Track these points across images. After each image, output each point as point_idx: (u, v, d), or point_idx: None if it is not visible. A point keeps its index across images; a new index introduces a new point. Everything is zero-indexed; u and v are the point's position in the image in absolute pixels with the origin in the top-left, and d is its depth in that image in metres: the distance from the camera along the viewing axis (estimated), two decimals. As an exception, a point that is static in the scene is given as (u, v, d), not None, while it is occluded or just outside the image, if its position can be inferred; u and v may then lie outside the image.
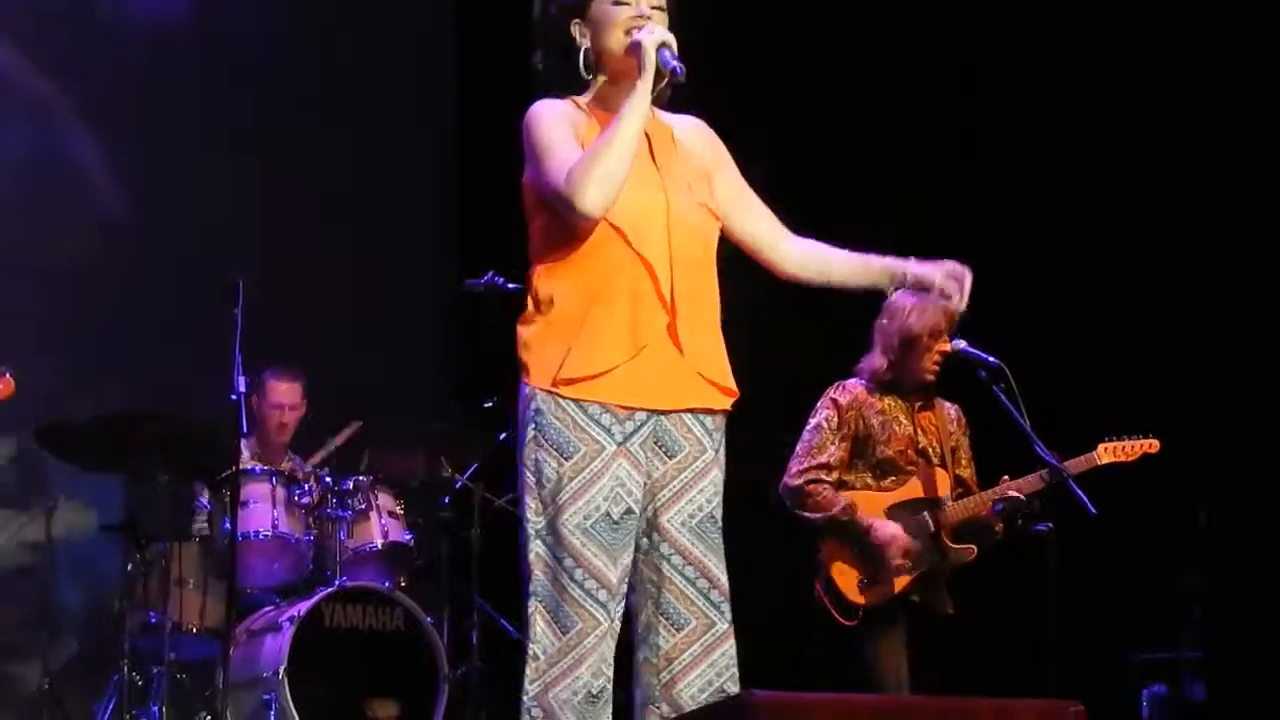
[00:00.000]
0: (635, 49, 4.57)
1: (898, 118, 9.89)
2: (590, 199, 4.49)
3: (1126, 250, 9.12)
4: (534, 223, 4.71)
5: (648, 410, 4.60)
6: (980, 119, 10.00)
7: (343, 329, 9.49)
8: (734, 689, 4.57)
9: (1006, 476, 6.70)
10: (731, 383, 4.71)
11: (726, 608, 4.63)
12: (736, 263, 4.92)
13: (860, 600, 6.65)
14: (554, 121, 4.66)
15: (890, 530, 6.62)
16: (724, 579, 4.64)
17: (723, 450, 4.73)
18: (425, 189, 10.17)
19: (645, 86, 4.56)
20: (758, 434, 6.26)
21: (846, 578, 6.68)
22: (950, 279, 4.78)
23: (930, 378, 6.76)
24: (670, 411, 4.64)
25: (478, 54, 9.86)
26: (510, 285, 7.49)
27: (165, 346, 8.99)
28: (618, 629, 4.60)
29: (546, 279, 4.65)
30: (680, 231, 4.66)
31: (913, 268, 4.81)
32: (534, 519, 4.58)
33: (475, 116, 9.86)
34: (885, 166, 9.74)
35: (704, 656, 4.63)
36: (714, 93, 8.04)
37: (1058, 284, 9.17)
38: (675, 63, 4.56)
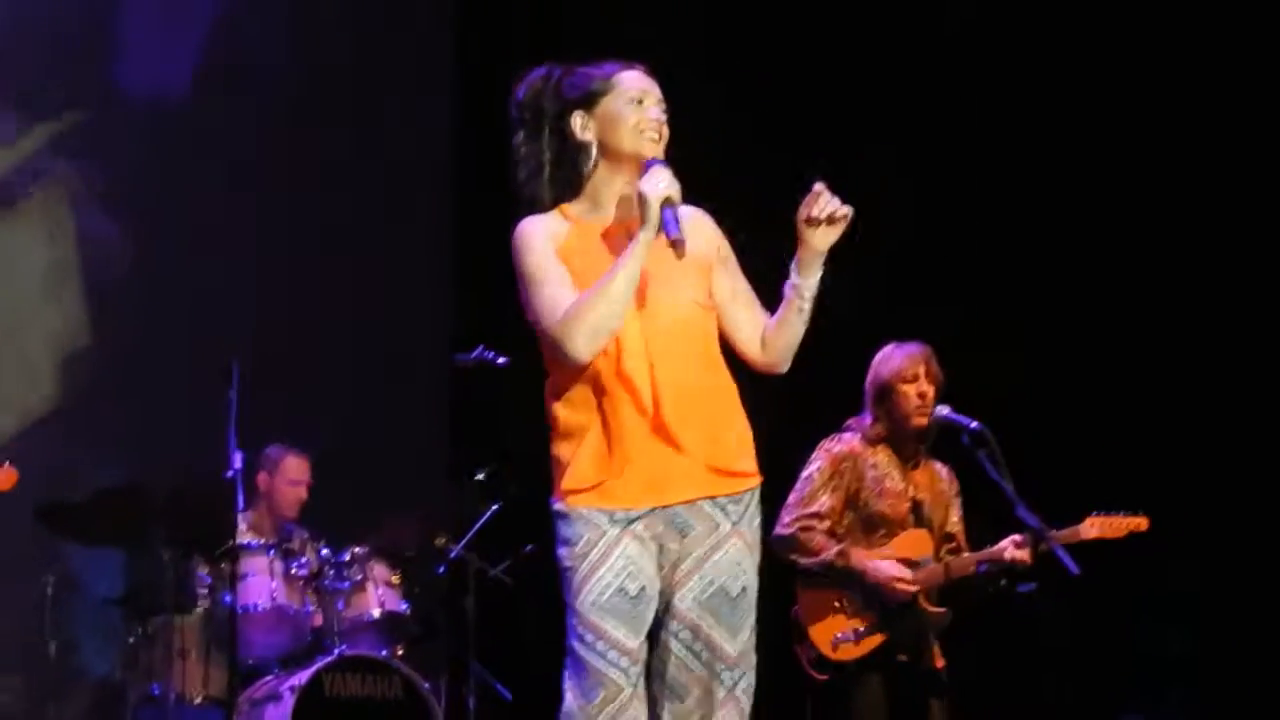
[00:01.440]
0: (640, 200, 4.49)
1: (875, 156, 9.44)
2: (581, 348, 4.49)
3: (1103, 314, 8.87)
4: (540, 339, 4.73)
5: (645, 506, 4.58)
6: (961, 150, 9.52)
7: (335, 403, 9.45)
8: None
9: (1010, 540, 6.56)
10: (747, 465, 4.67)
11: (730, 675, 4.57)
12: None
13: (833, 656, 6.55)
14: (537, 251, 4.61)
15: (888, 568, 6.51)
16: (731, 649, 4.57)
17: (747, 522, 4.66)
18: (418, 268, 10.16)
19: (646, 238, 4.49)
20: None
21: (824, 631, 6.57)
22: (808, 202, 4.60)
23: (918, 421, 6.60)
24: (677, 504, 4.62)
25: (474, 134, 9.84)
26: (500, 360, 7.52)
27: (163, 424, 8.93)
28: (644, 696, 4.59)
29: (553, 398, 4.66)
30: (661, 332, 4.62)
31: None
32: (567, 605, 4.57)
33: (471, 198, 9.87)
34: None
35: None
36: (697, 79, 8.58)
37: (1039, 346, 8.89)
38: (676, 231, 4.46)
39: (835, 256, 5.04)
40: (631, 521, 4.55)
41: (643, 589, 4.51)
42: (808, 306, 4.67)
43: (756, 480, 4.66)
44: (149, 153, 9.59)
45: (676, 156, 4.62)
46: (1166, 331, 8.63)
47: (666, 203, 4.45)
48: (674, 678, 4.57)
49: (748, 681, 4.59)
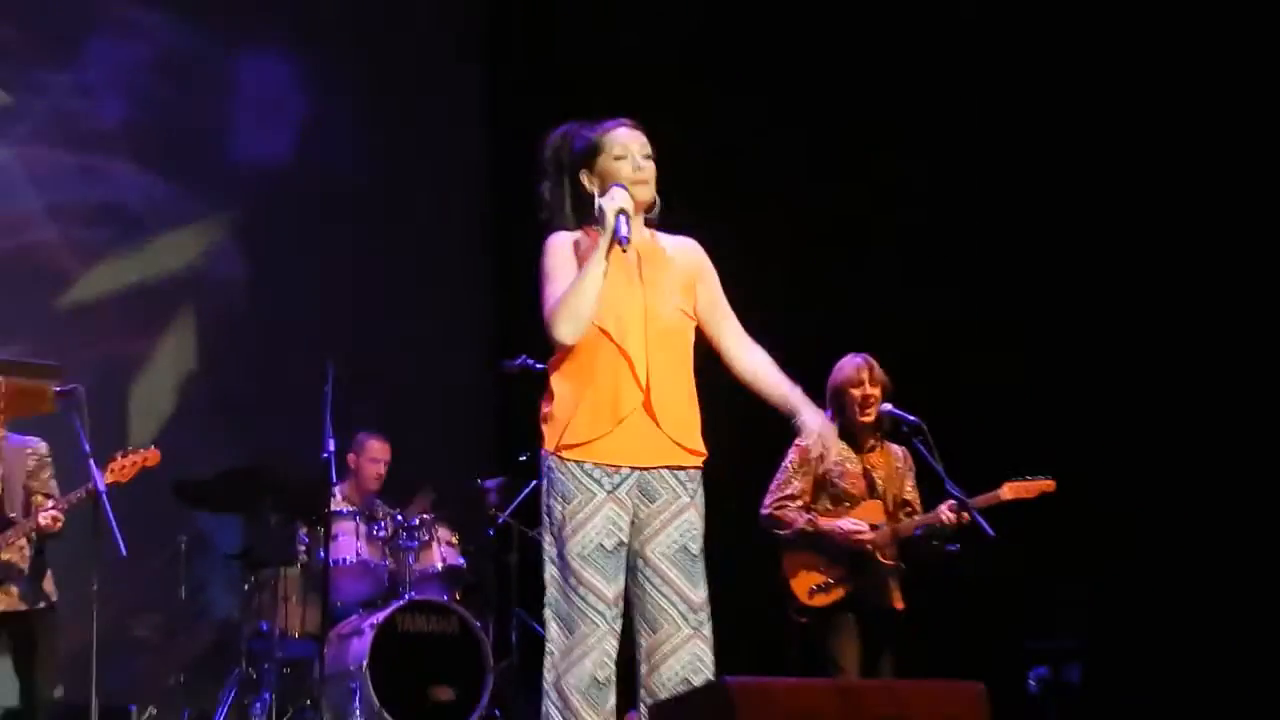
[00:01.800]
0: (599, 211, 4.69)
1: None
2: (562, 332, 4.67)
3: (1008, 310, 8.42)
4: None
5: (630, 467, 4.72)
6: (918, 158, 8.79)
7: (410, 401, 9.42)
8: (698, 680, 4.64)
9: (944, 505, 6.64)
10: (700, 446, 4.81)
11: (695, 618, 4.72)
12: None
13: (810, 603, 6.64)
14: (557, 256, 4.80)
15: (846, 524, 6.61)
16: (695, 595, 4.73)
17: (699, 497, 4.81)
18: (474, 295, 10.23)
19: (604, 243, 4.66)
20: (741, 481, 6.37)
21: (802, 583, 6.66)
22: (817, 439, 4.85)
23: (864, 418, 6.68)
24: (650, 468, 4.75)
25: (513, 187, 9.34)
26: (538, 365, 7.08)
27: (272, 416, 9.06)
28: (617, 631, 4.70)
29: (555, 371, 4.80)
30: (656, 332, 4.77)
31: (802, 414, 4.85)
32: (548, 549, 4.74)
33: (509, 241, 9.75)
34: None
35: (673, 654, 4.70)
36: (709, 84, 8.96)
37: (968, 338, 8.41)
38: (624, 233, 4.63)
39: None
40: (616, 487, 4.69)
41: (619, 543, 4.65)
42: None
43: (703, 458, 4.80)
44: (252, 214, 9.73)
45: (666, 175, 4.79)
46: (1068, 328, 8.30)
47: (620, 212, 4.61)
48: (650, 613, 4.71)
49: (709, 624, 4.72)
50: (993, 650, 7.49)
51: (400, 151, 10.06)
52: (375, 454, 8.65)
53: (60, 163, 9.30)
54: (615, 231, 4.64)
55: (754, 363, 4.95)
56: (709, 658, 4.73)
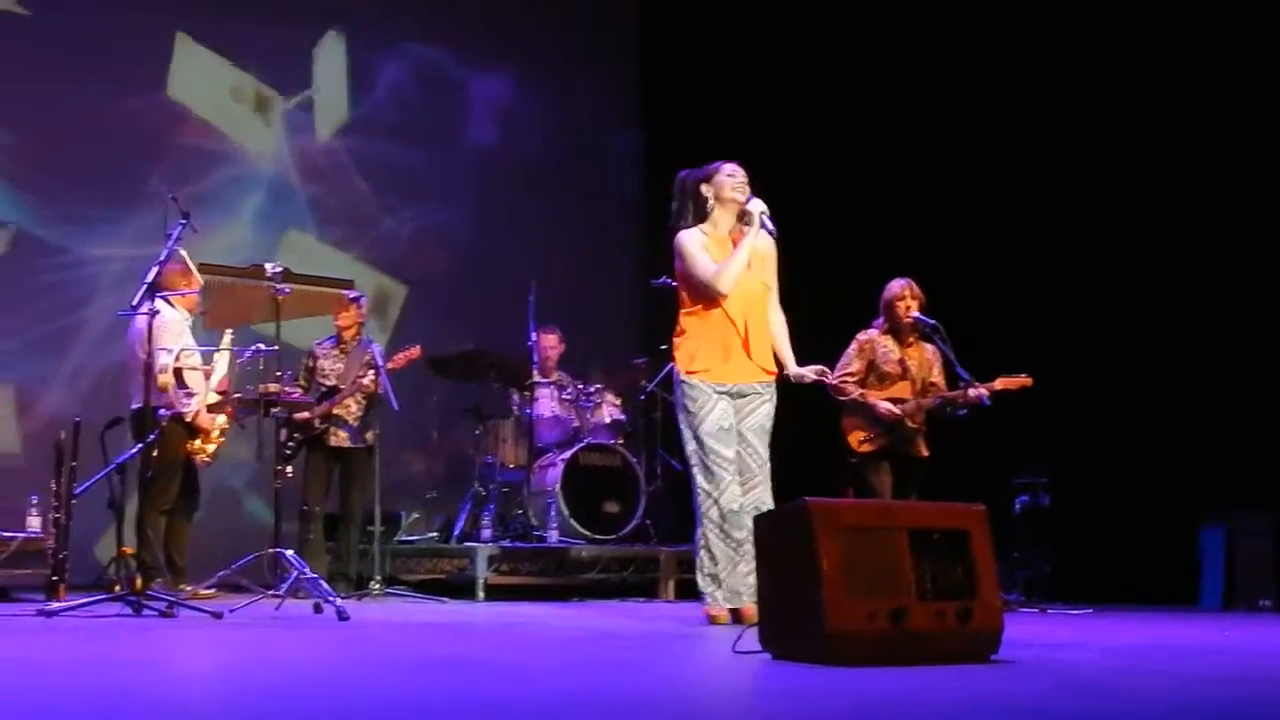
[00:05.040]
0: (745, 214, 4.93)
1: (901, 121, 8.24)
2: (726, 288, 5.04)
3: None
4: (681, 292, 5.17)
5: (731, 383, 5.08)
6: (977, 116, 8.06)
7: (589, 308, 9.36)
8: (764, 506, 4.90)
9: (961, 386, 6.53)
10: (773, 368, 5.15)
11: (766, 468, 5.06)
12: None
13: (860, 449, 6.61)
14: (697, 245, 5.11)
15: (885, 405, 6.55)
16: (766, 455, 5.07)
17: (773, 394, 5.14)
18: (631, 232, 10.02)
19: (753, 234, 4.93)
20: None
21: (854, 436, 6.63)
22: (799, 376, 5.15)
23: (905, 321, 6.57)
24: (743, 383, 5.09)
25: (657, 164, 8.89)
26: (674, 284, 7.14)
27: (494, 316, 8.96)
28: (738, 478, 5.02)
29: (687, 319, 5.14)
30: (752, 298, 5.12)
31: (788, 368, 5.17)
32: (686, 431, 5.10)
33: (653, 199, 8.68)
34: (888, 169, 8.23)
35: (753, 489, 5.04)
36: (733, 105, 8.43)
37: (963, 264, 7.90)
38: (770, 225, 4.90)
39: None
40: (723, 392, 5.07)
41: (730, 426, 5.03)
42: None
43: (775, 375, 5.16)
44: (476, 178, 9.67)
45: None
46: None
47: (763, 214, 4.91)
48: (744, 464, 5.08)
49: (769, 471, 5.08)
50: (989, 483, 7.16)
51: (577, 138, 9.94)
52: (550, 343, 8.54)
53: (364, 146, 9.47)
54: (765, 226, 4.95)
55: (775, 322, 5.23)
56: (770, 492, 5.07)
